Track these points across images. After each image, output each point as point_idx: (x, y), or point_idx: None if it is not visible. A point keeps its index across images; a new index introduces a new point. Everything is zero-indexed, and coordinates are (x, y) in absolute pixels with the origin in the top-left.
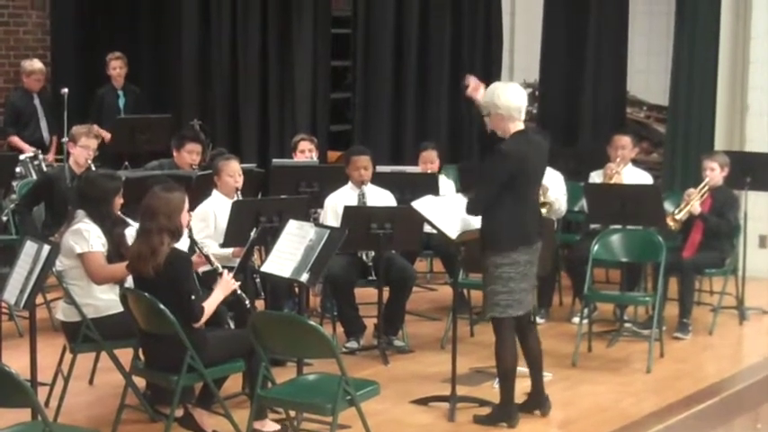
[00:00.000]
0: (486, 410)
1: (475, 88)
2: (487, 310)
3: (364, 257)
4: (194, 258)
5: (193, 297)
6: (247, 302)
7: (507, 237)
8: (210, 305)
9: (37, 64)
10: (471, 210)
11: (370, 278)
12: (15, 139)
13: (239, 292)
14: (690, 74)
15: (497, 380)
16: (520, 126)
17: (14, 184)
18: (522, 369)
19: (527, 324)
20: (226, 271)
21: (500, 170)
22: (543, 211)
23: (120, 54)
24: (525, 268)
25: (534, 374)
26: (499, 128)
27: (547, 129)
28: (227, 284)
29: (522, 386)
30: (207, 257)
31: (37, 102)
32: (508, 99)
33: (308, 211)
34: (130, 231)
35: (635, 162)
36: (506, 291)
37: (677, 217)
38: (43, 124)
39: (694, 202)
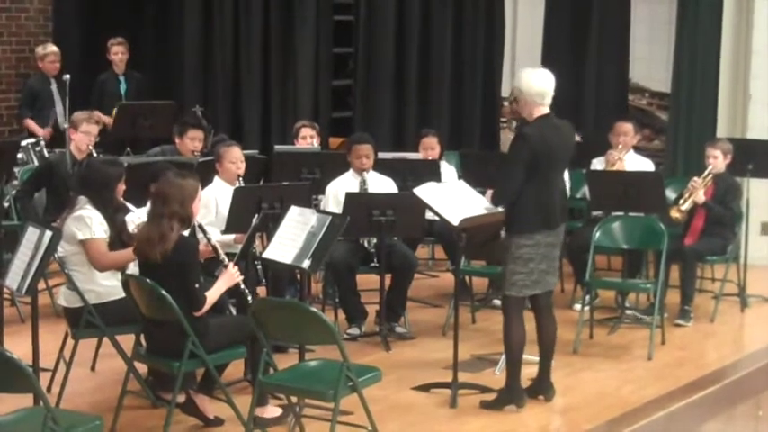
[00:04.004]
0: (488, 396)
1: None
2: (504, 288)
3: (366, 244)
4: (201, 247)
5: (197, 285)
6: (249, 297)
7: (530, 219)
8: (213, 295)
9: (50, 47)
10: (501, 199)
11: (372, 265)
12: (29, 122)
13: (242, 286)
14: (692, 62)
15: (499, 366)
16: (544, 111)
17: (16, 170)
18: (528, 357)
19: (546, 306)
20: (231, 263)
21: (522, 153)
22: None
23: (121, 39)
24: (547, 250)
25: (543, 360)
26: (525, 112)
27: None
28: (230, 277)
29: (527, 372)
30: (214, 248)
31: (54, 87)
32: (530, 84)
33: (310, 198)
34: (132, 217)
35: (637, 149)
36: (526, 271)
37: (682, 208)
38: (58, 109)
39: (699, 191)
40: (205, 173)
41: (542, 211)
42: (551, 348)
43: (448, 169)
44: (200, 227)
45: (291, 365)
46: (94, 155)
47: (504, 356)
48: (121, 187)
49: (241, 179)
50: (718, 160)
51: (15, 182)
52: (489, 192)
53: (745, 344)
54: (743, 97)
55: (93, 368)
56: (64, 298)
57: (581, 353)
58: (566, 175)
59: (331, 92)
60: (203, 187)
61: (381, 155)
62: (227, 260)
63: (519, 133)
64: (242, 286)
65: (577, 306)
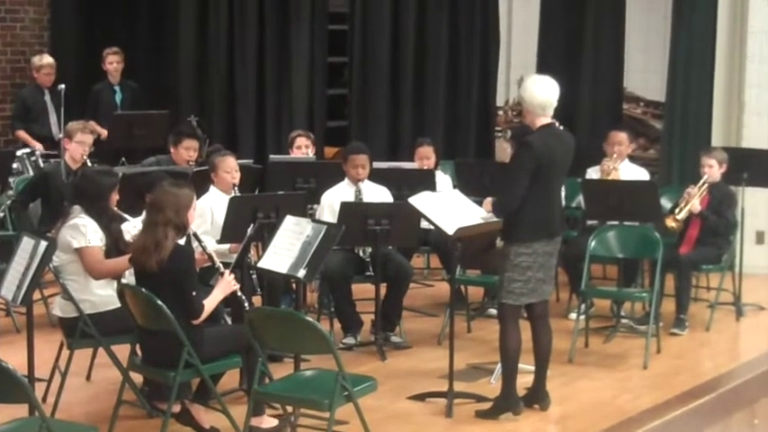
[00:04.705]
0: (484, 405)
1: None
2: (501, 296)
3: (361, 253)
4: (196, 256)
5: (195, 293)
6: (246, 304)
7: (530, 228)
8: (210, 303)
9: (46, 58)
10: (504, 208)
11: (368, 274)
12: (22, 134)
13: (239, 293)
14: (687, 71)
15: (495, 375)
16: (545, 121)
17: (11, 180)
18: (523, 366)
19: (541, 315)
20: (227, 271)
21: (526, 161)
22: None
23: (116, 49)
24: (544, 259)
25: (539, 368)
26: (527, 120)
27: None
28: (227, 285)
29: (522, 381)
30: (210, 256)
31: (47, 98)
32: (533, 95)
33: (305, 207)
34: (128, 227)
35: (632, 158)
36: (523, 279)
37: (678, 217)
38: (53, 120)
39: (694, 200)
40: (200, 182)
41: (543, 220)
42: (547, 357)
43: (443, 179)
44: (195, 235)
45: (287, 375)
46: (89, 165)
47: (499, 365)
48: (115, 197)
49: (236, 188)
50: (713, 169)
51: (10, 192)
52: (487, 200)
53: (740, 352)
54: (737, 106)
55: (88, 378)
56: (59, 308)
57: (576, 362)
58: None
59: (326, 101)
60: (199, 197)
61: (376, 164)
62: (222, 268)
63: (523, 142)
64: (239, 293)
65: (573, 315)
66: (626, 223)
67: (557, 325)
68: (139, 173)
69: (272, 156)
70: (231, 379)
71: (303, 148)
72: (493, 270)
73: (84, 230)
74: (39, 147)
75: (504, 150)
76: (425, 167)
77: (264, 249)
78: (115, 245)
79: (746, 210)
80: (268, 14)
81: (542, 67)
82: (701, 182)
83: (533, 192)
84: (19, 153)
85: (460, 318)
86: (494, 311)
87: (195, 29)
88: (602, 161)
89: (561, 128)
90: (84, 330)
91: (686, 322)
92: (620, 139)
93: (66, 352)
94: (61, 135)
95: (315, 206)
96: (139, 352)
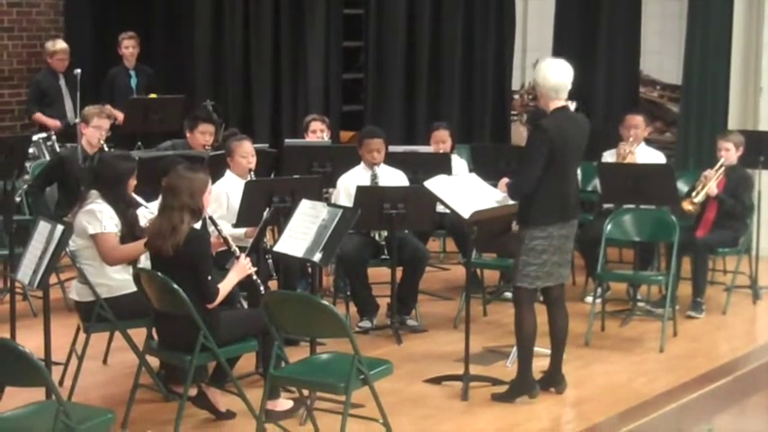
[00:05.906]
0: (500, 389)
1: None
2: (516, 279)
3: (377, 237)
4: (212, 240)
5: (210, 278)
6: (262, 288)
7: (545, 212)
8: (225, 287)
9: (60, 44)
10: (519, 191)
11: (383, 258)
12: (39, 116)
13: (255, 277)
14: (703, 53)
15: (510, 359)
16: (559, 104)
17: (28, 164)
18: (539, 349)
19: (557, 298)
20: (243, 255)
21: (540, 145)
22: None
23: (132, 33)
24: (559, 242)
25: (555, 351)
26: (541, 103)
27: None
28: (242, 268)
29: (538, 365)
30: (225, 240)
31: (62, 82)
32: (546, 78)
33: (321, 191)
34: (143, 212)
35: (648, 141)
36: (539, 263)
37: (695, 200)
38: (68, 104)
39: (711, 183)
40: (216, 167)
41: (558, 204)
42: (563, 341)
43: (459, 162)
44: (211, 219)
45: (303, 358)
46: (105, 149)
47: (515, 349)
48: (132, 182)
49: (252, 173)
50: (730, 152)
51: (27, 176)
52: (503, 180)
53: (757, 336)
54: (754, 89)
55: (104, 362)
56: (76, 292)
57: (593, 345)
58: None
59: (342, 85)
60: (214, 181)
61: (392, 148)
62: (238, 252)
63: (537, 125)
64: (254, 277)
65: (589, 298)
66: (642, 207)
67: (573, 308)
68: (155, 157)
69: (287, 140)
70: (247, 362)
71: (318, 133)
72: (508, 253)
73: (99, 216)
74: (57, 124)
75: (520, 134)
76: (441, 151)
77: (280, 233)
78: (131, 231)
79: (763, 193)
80: None
81: (558, 51)
82: (718, 165)
83: (548, 175)
84: (35, 138)
85: (476, 301)
86: (509, 295)
87: (210, 13)
88: (619, 144)
89: (575, 109)
90: (100, 314)
91: (703, 305)
92: (637, 123)
93: (82, 336)
94: (77, 120)
95: (330, 190)
96: (156, 336)
